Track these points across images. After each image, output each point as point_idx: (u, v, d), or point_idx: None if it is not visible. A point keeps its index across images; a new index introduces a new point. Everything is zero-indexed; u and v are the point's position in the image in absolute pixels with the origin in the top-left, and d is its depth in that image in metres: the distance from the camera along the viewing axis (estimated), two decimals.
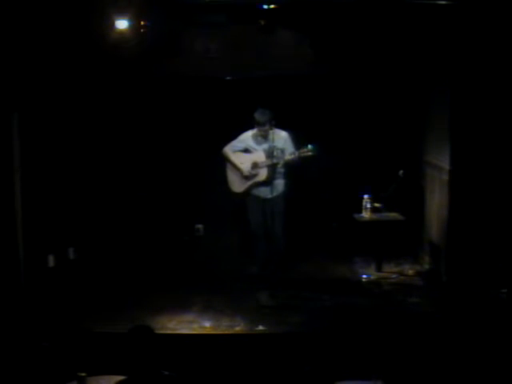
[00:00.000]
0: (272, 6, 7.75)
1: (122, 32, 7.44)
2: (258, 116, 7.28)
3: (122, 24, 7.39)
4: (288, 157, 7.26)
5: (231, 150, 7.50)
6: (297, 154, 7.22)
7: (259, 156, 7.34)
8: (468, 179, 7.33)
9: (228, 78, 8.92)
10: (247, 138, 7.47)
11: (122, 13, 7.32)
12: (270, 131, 7.24)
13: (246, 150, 7.47)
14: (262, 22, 7.91)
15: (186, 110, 8.91)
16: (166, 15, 7.88)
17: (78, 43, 7.49)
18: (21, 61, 6.93)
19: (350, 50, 8.42)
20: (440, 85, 7.92)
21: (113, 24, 7.37)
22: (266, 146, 7.33)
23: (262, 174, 7.32)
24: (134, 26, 7.53)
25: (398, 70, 8.50)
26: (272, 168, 7.30)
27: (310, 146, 7.20)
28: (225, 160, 7.53)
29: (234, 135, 7.55)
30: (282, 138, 7.35)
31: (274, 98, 8.01)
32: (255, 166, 7.36)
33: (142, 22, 7.79)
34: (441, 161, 7.80)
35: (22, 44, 6.88)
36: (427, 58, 8.15)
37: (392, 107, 8.87)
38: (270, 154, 7.27)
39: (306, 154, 7.21)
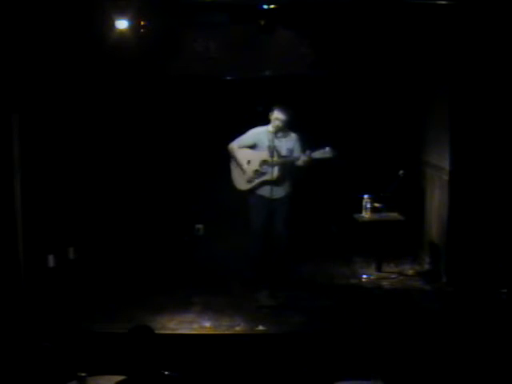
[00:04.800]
0: (272, 6, 7.76)
1: (122, 32, 7.44)
2: (280, 114, 7.24)
3: (122, 24, 7.38)
4: (303, 158, 7.23)
5: (238, 146, 7.46)
6: (311, 155, 7.19)
7: (269, 154, 7.29)
8: (468, 179, 7.33)
9: (228, 78, 8.92)
10: (258, 133, 7.41)
11: (122, 13, 7.32)
12: (283, 130, 7.24)
13: (254, 147, 7.43)
14: (262, 22, 7.91)
15: (186, 110, 8.91)
16: (166, 15, 7.88)
17: (78, 43, 7.49)
18: (21, 61, 6.92)
19: (349, 50, 8.43)
20: (440, 85, 7.92)
21: (113, 24, 7.37)
22: (278, 144, 7.29)
23: (272, 172, 7.28)
24: (134, 26, 7.53)
25: (398, 70, 8.51)
26: (283, 168, 7.28)
27: (327, 148, 7.18)
28: (230, 155, 7.49)
29: (233, 135, 7.55)
30: (292, 138, 7.35)
31: (273, 98, 8.00)
32: (264, 163, 7.31)
33: (142, 22, 7.80)
34: (441, 161, 7.80)
35: (23, 45, 6.87)
36: (427, 58, 8.15)
37: (392, 107, 8.87)
38: (282, 153, 7.24)
39: (321, 156, 7.19)
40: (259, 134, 7.42)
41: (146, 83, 8.64)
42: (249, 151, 7.41)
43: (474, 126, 7.28)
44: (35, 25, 6.96)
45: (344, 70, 8.58)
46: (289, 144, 7.32)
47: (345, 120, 8.89)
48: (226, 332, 6.34)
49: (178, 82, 8.74)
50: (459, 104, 7.37)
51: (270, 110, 7.36)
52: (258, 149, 7.39)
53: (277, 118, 7.28)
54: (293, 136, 7.37)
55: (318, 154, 7.23)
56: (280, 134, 7.31)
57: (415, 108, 8.81)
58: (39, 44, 7.07)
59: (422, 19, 7.55)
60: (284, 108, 7.29)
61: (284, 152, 7.30)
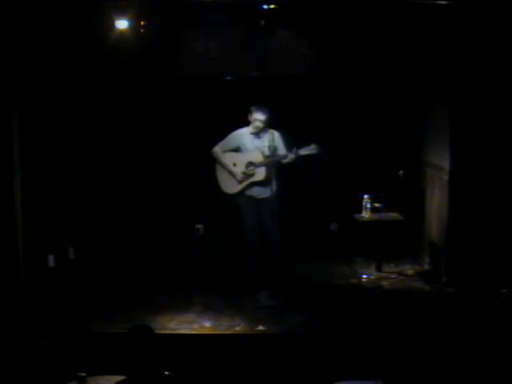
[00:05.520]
0: (272, 6, 7.76)
1: (122, 32, 7.44)
2: (260, 112, 7.18)
3: (122, 24, 7.39)
4: (290, 156, 7.21)
5: (221, 150, 7.41)
6: (298, 152, 7.17)
7: (255, 155, 7.25)
8: (468, 179, 7.33)
9: (227, 77, 8.92)
10: (240, 136, 7.34)
11: (121, 13, 7.32)
12: (264, 130, 7.21)
13: (237, 149, 7.39)
14: (262, 22, 7.91)
15: (186, 109, 8.91)
16: (166, 15, 7.88)
17: (78, 43, 7.50)
18: (21, 62, 6.93)
19: (349, 51, 8.43)
20: (440, 85, 7.92)
21: (113, 24, 7.37)
22: (260, 144, 7.25)
23: (260, 173, 7.26)
24: (134, 26, 7.54)
25: (398, 71, 8.51)
26: (270, 167, 7.25)
27: (312, 145, 7.16)
28: (215, 160, 7.44)
29: None
30: (275, 136, 7.30)
31: (273, 99, 8.00)
32: (251, 165, 7.28)
33: (142, 22, 7.80)
34: (441, 161, 7.80)
35: (23, 45, 6.88)
36: (427, 58, 8.15)
37: (392, 107, 8.87)
38: (267, 153, 7.21)
39: (307, 152, 7.17)
40: (241, 136, 7.35)
41: (145, 83, 8.64)
42: (233, 154, 7.36)
43: (473, 125, 7.28)
44: (35, 25, 6.96)
45: (344, 70, 8.58)
46: (273, 142, 7.24)
47: (345, 120, 8.89)
48: (226, 332, 6.33)
49: (178, 82, 8.74)
50: (459, 104, 7.37)
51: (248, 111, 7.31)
52: (242, 151, 7.34)
53: (256, 119, 7.20)
54: (276, 134, 7.29)
55: (304, 151, 7.20)
56: (261, 134, 7.25)
57: (415, 108, 8.81)
58: (39, 44, 7.08)
59: (422, 19, 7.54)
60: (262, 107, 7.23)
61: (268, 151, 7.26)
